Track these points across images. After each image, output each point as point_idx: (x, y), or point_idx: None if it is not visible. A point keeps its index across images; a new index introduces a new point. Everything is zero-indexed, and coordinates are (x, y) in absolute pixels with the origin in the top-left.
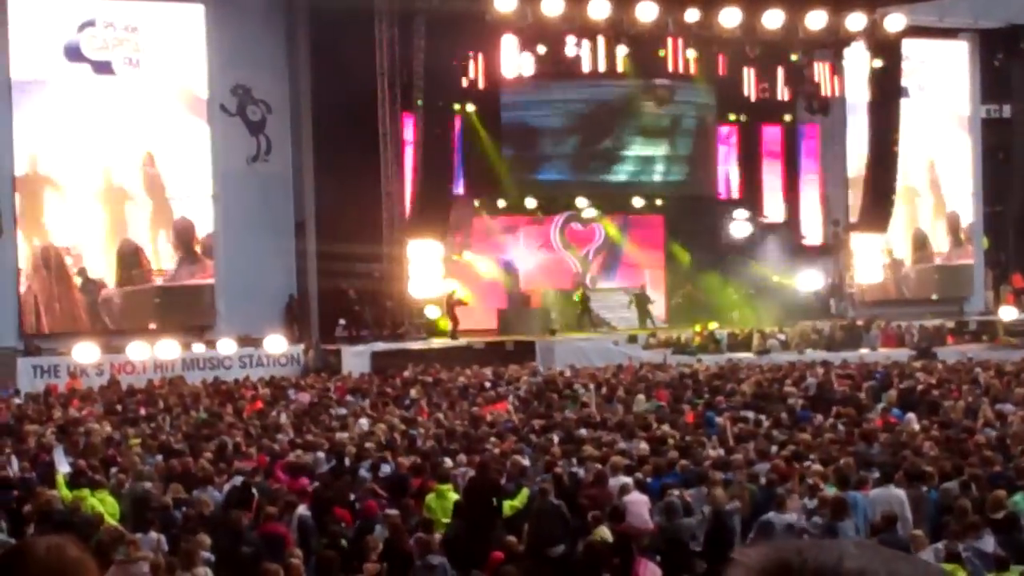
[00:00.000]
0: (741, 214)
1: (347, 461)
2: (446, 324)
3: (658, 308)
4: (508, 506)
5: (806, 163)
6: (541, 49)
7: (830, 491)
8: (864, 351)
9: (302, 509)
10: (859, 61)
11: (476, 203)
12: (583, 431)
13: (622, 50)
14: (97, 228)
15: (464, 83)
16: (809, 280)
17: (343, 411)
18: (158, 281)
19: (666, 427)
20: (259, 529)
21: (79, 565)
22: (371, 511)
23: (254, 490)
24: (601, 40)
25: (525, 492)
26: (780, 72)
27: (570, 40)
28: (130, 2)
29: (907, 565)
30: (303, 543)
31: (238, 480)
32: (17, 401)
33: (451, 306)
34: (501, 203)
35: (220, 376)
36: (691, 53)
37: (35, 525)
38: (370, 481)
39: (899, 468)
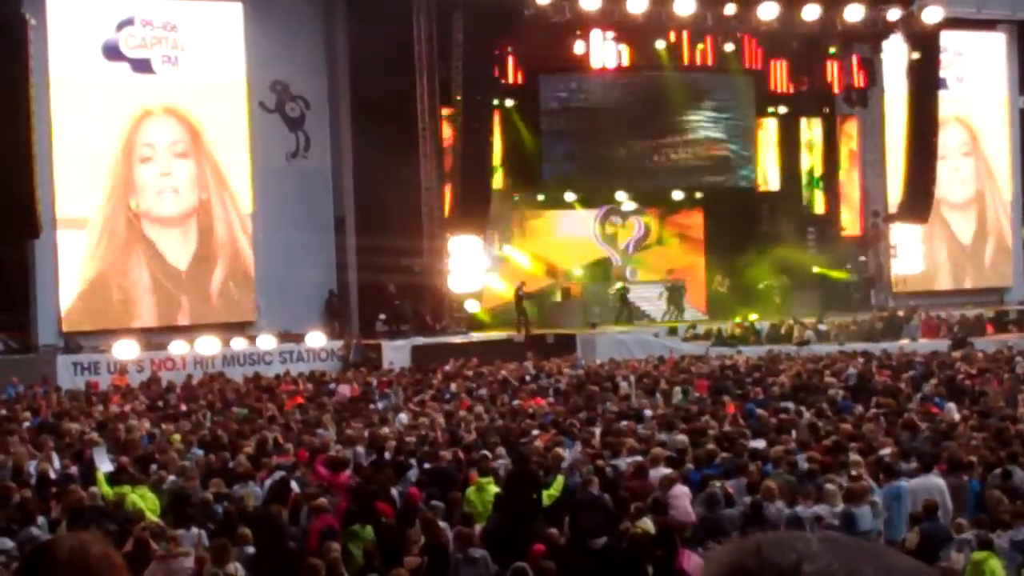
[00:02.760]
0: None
1: (387, 455)
2: (485, 316)
3: (697, 301)
4: (545, 495)
5: (845, 155)
6: (579, 44)
7: (871, 482)
8: (904, 341)
9: None
10: (897, 53)
11: (515, 197)
12: (623, 424)
13: (660, 44)
14: None
15: (503, 78)
16: (849, 271)
17: (381, 405)
18: None
19: (706, 418)
20: (312, 523)
21: (103, 561)
22: (413, 504)
23: (293, 484)
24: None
25: (560, 480)
26: (818, 65)
27: (609, 34)
28: (168, 0)
29: (871, 561)
30: None
31: (278, 475)
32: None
33: (519, 299)
34: (540, 197)
35: (260, 372)
36: (729, 47)
37: (66, 523)
38: (416, 476)
39: (939, 457)
